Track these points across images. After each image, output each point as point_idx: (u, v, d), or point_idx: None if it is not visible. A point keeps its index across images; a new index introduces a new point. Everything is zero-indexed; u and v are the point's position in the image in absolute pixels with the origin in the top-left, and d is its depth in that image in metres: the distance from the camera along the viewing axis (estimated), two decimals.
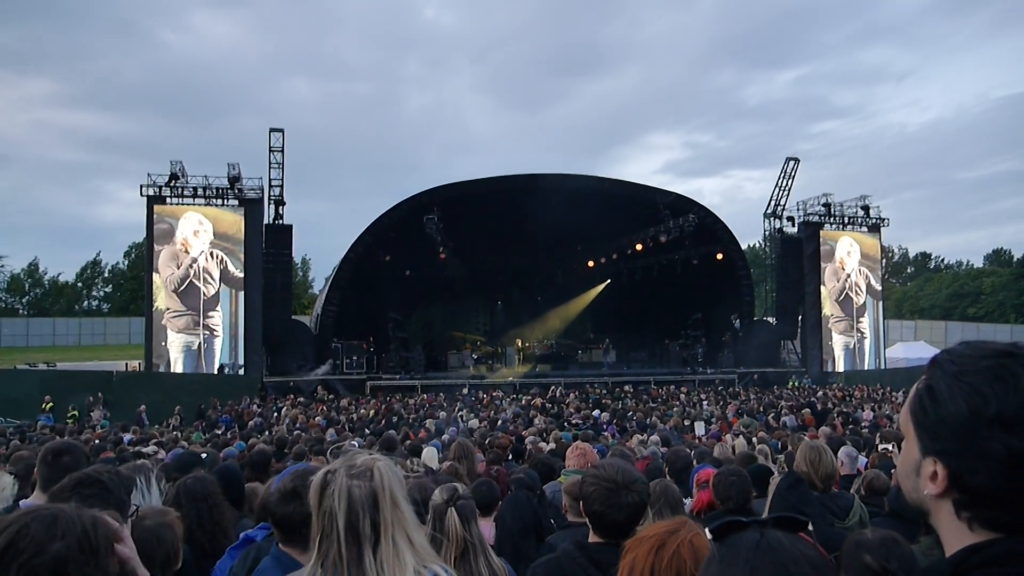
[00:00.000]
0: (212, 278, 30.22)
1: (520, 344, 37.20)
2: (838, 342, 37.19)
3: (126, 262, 76.10)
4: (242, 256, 30.48)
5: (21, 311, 72.33)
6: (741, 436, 11.46)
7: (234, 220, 30.70)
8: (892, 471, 5.83)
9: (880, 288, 39.31)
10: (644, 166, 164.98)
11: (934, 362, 1.26)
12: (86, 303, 78.18)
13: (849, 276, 37.42)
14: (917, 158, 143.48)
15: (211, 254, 30.25)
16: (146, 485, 3.38)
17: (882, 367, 37.79)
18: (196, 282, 29.98)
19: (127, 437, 13.26)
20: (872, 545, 2.54)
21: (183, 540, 3.27)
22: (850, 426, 15.47)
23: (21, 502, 3.37)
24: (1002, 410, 1.13)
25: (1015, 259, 79.55)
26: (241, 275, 30.46)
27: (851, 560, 2.54)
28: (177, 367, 29.57)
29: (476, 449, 8.91)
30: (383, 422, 17.67)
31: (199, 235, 30.16)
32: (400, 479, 2.04)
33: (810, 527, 1.32)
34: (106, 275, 79.05)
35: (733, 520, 1.28)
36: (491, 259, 36.45)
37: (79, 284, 78.12)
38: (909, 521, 3.84)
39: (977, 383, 1.16)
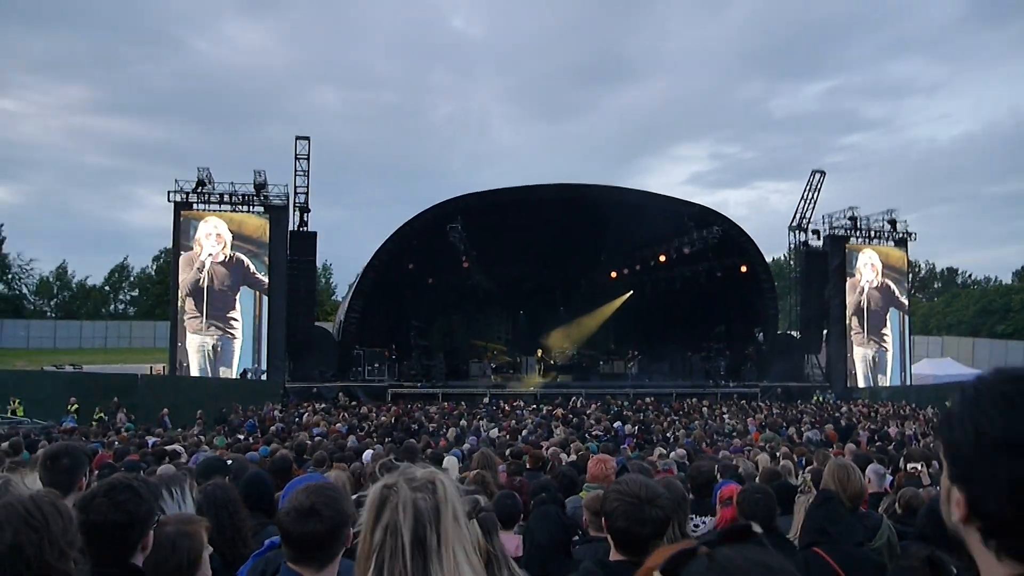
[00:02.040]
0: (226, 280, 30.43)
1: (541, 354, 37.13)
2: (858, 354, 36.73)
3: (154, 266, 76.93)
4: (266, 259, 30.70)
5: (49, 314, 73.28)
6: (764, 451, 11.33)
7: (259, 224, 30.96)
8: (920, 491, 5.74)
9: (906, 302, 38.80)
10: (670, 177, 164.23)
11: (960, 387, 1.23)
12: (113, 307, 79.09)
13: (865, 288, 36.95)
14: (946, 172, 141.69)
15: (230, 257, 30.48)
16: (181, 495, 3.36)
17: (908, 383, 37.27)
18: (207, 285, 30.21)
19: (151, 440, 13.35)
20: None
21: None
22: (877, 443, 15.28)
23: None
24: (1007, 436, 1.08)
25: None
26: (265, 278, 30.67)
27: None
28: (193, 368, 29.80)
29: (498, 459, 8.89)
30: (403, 430, 17.67)
31: (210, 237, 30.44)
32: (460, 493, 2.02)
33: (757, 530, 1.24)
34: (133, 279, 79.96)
35: (679, 553, 1.19)
36: (514, 268, 36.42)
37: (106, 288, 79.06)
38: (939, 544, 3.76)
39: (986, 407, 1.12)
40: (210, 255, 30.33)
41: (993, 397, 1.13)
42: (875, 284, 37.12)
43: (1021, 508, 1.08)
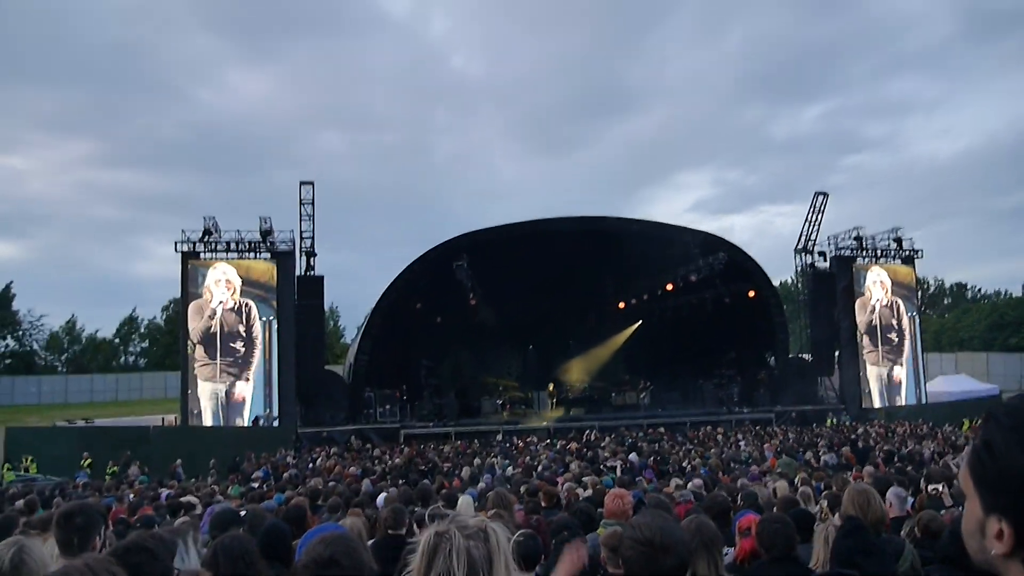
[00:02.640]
0: (237, 326, 30.51)
1: (553, 388, 36.99)
2: (872, 373, 36.45)
3: (163, 316, 77.20)
4: (274, 304, 30.79)
5: (60, 368, 73.42)
6: (782, 479, 11.22)
7: (266, 268, 31.13)
8: (943, 512, 5.67)
9: (917, 319, 38.60)
10: (674, 205, 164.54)
11: (989, 416, 1.21)
12: (123, 359, 79.24)
13: (876, 307, 36.79)
14: (950, 188, 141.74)
15: (240, 304, 30.58)
16: (185, 547, 3.36)
17: (923, 401, 36.96)
18: (218, 331, 30.26)
19: (165, 493, 13.30)
20: None
21: None
22: (896, 464, 15.10)
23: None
24: None
25: None
26: (271, 321, 30.72)
27: None
28: (206, 416, 29.73)
29: (513, 499, 8.82)
30: (417, 471, 17.56)
31: (219, 284, 30.52)
32: (511, 542, 2.02)
33: None
34: (143, 331, 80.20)
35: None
36: (521, 303, 36.43)
37: (116, 340, 79.29)
38: (964, 567, 3.71)
39: None
40: (221, 302, 30.42)
41: None
42: (885, 302, 36.97)
43: None
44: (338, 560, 2.50)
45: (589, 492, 9.68)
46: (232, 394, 30.18)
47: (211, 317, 30.31)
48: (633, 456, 18.44)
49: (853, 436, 23.00)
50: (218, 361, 30.16)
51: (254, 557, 3.76)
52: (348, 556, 2.52)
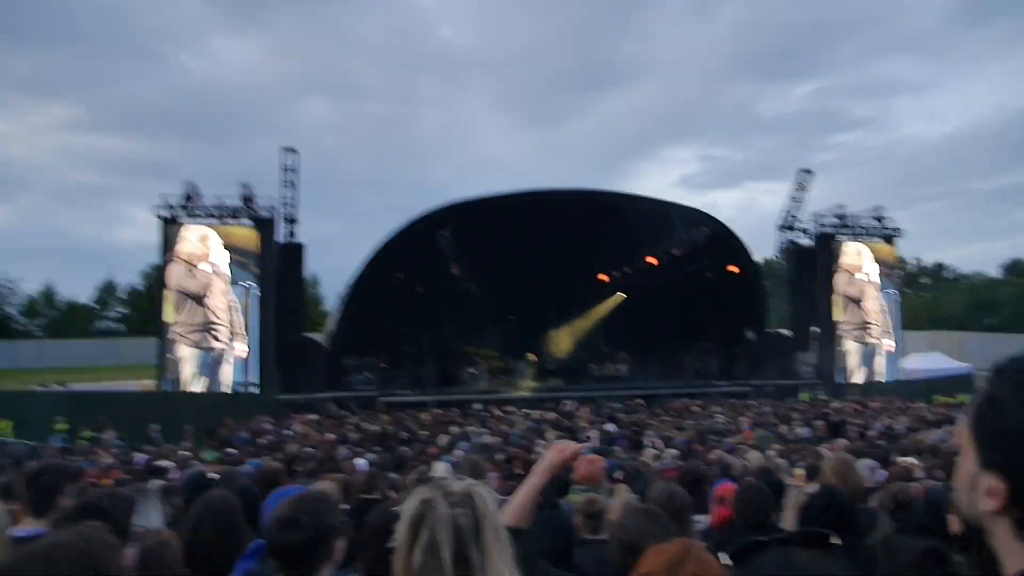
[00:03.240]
0: (216, 288, 30.24)
1: (533, 358, 37.08)
2: (854, 350, 36.79)
3: (142, 283, 76.61)
4: (255, 269, 30.56)
5: (37, 333, 72.79)
6: (756, 449, 11.31)
7: (247, 234, 30.80)
8: (913, 484, 5.71)
9: (897, 297, 38.90)
10: (660, 180, 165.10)
11: (997, 369, 1.17)
12: (102, 324, 78.63)
13: (856, 283, 37.02)
14: (934, 169, 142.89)
15: (220, 267, 30.31)
16: (147, 508, 3.30)
17: (898, 378, 37.38)
18: (208, 295, 30.01)
19: (140, 457, 13.24)
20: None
21: (203, 559, 3.21)
22: (867, 439, 15.26)
23: (10, 531, 3.28)
24: None
25: None
26: (251, 287, 30.50)
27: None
28: (192, 383, 29.53)
29: (489, 466, 8.83)
30: (395, 438, 17.57)
31: (205, 240, 30.19)
32: (499, 506, 1.98)
33: (833, 540, 1.23)
34: (122, 296, 79.56)
35: (753, 541, 1.19)
36: (504, 274, 36.38)
37: (95, 305, 78.64)
38: (938, 537, 3.73)
39: None
40: (202, 259, 30.10)
41: None
42: (865, 279, 37.20)
43: None
44: (299, 519, 2.44)
45: None
46: (213, 359, 29.98)
47: (198, 277, 29.99)
48: (610, 426, 18.56)
49: (827, 411, 23.22)
50: (200, 324, 29.88)
51: (239, 518, 3.71)
52: (310, 516, 2.46)
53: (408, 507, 1.91)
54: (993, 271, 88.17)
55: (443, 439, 15.61)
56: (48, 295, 75.64)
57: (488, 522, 1.88)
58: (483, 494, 1.93)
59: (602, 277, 38.90)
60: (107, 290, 79.08)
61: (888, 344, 37.49)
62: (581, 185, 33.61)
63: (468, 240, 30.77)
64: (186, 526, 3.45)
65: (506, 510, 3.12)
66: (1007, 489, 1.10)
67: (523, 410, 25.98)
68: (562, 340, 39.92)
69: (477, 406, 27.49)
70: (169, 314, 29.77)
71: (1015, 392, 1.11)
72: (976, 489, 1.15)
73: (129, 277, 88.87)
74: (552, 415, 23.57)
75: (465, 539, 1.82)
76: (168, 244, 29.98)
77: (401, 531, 1.89)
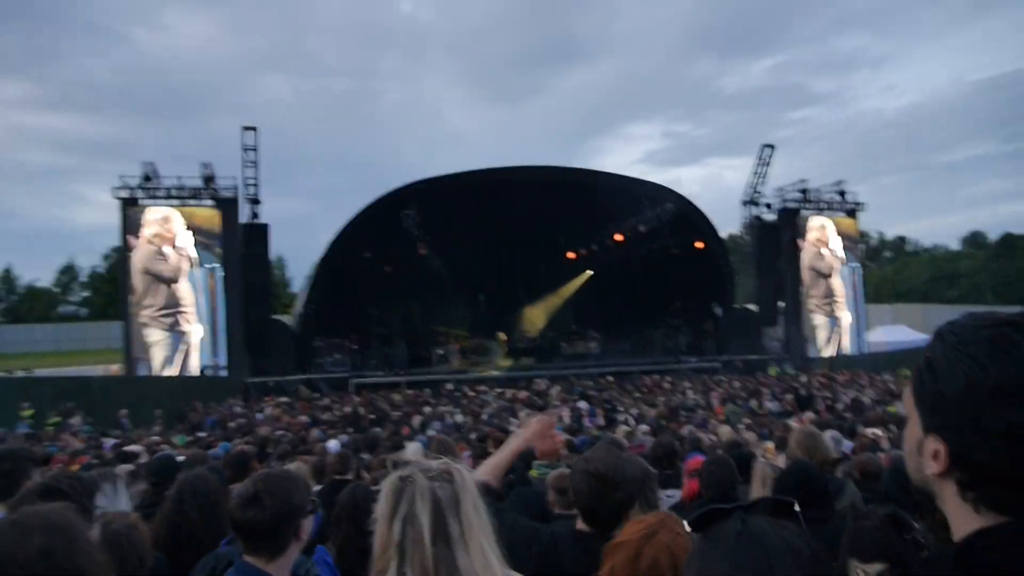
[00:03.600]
0: (180, 270, 29.82)
1: (503, 338, 37.14)
2: (821, 324, 37.28)
3: (104, 265, 75.35)
4: (219, 251, 30.18)
5: None
6: (726, 424, 11.46)
7: (210, 215, 30.36)
8: (879, 455, 5.82)
9: (860, 270, 39.44)
10: (623, 157, 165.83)
11: (936, 333, 1.19)
12: (63, 308, 77.31)
13: (823, 255, 37.48)
14: (894, 143, 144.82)
15: (183, 247, 29.90)
16: (113, 490, 3.27)
17: (864, 351, 38.01)
18: (162, 271, 29.57)
19: (109, 442, 13.09)
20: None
21: (187, 538, 3.18)
22: (835, 411, 15.51)
23: None
24: (1001, 381, 1.05)
25: (990, 241, 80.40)
26: (216, 269, 30.15)
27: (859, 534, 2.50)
28: (156, 363, 29.17)
29: (461, 445, 8.84)
30: (367, 420, 17.55)
31: (172, 228, 29.76)
32: (478, 483, 1.98)
33: (796, 508, 1.24)
34: (83, 280, 78.23)
35: (713, 508, 1.20)
36: (471, 253, 36.33)
37: (56, 289, 77.25)
38: (904, 506, 3.80)
39: (975, 353, 1.09)
40: (165, 240, 29.66)
41: (980, 342, 1.10)
42: (829, 252, 37.65)
43: (1012, 456, 1.05)
44: (261, 498, 2.43)
45: None
46: (182, 339, 29.64)
47: (168, 260, 29.56)
48: (582, 404, 18.68)
49: (795, 385, 23.56)
50: (164, 309, 29.50)
51: (220, 496, 3.69)
52: (273, 495, 2.44)
53: (388, 482, 1.92)
54: (954, 244, 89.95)
55: (416, 420, 15.60)
56: (7, 279, 74.15)
57: (467, 495, 1.89)
58: (462, 471, 1.95)
59: (570, 255, 38.97)
60: (68, 273, 77.70)
61: (847, 317, 38.05)
62: (546, 162, 33.56)
63: (434, 219, 30.66)
64: (169, 506, 3.42)
65: (481, 468, 3.15)
66: (948, 451, 1.11)
67: (495, 390, 26.07)
68: (536, 317, 40.09)
69: (449, 386, 27.51)
70: (138, 293, 29.31)
71: (951, 356, 1.12)
72: (922, 453, 1.17)
73: (90, 260, 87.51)
74: (524, 394, 23.66)
75: (444, 511, 1.83)
76: (129, 226, 29.47)
77: (381, 504, 1.89)
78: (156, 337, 29.39)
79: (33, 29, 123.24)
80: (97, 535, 2.49)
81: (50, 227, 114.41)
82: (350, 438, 11.53)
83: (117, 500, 3.24)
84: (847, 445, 7.96)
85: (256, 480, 2.53)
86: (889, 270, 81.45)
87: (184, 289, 29.72)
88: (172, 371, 29.22)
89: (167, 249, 29.56)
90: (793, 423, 10.52)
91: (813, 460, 4.67)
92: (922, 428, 1.17)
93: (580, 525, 2.95)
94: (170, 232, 29.66)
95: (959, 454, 1.10)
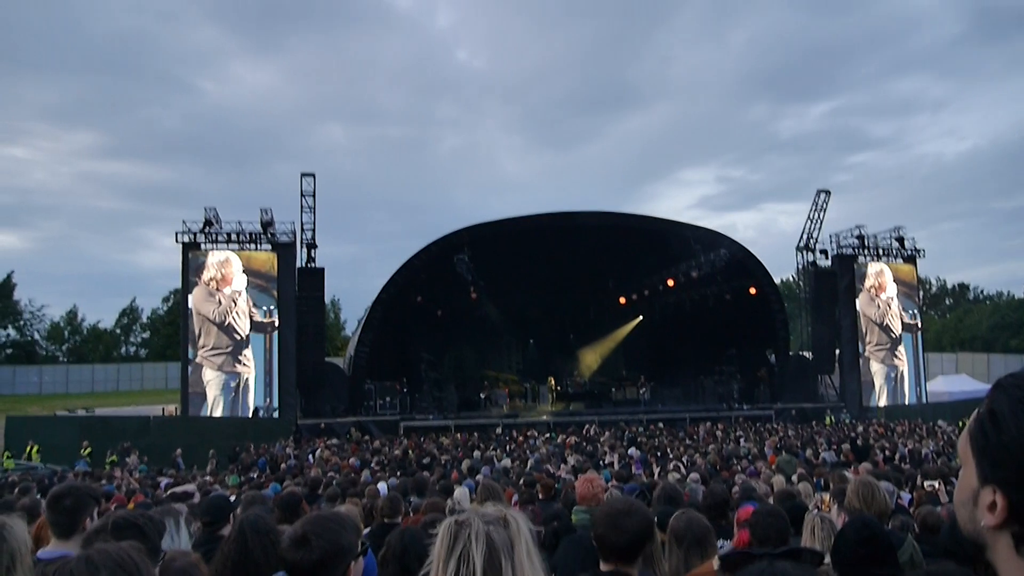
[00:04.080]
0: (244, 315, 30.52)
1: (553, 383, 37.02)
2: (878, 372, 36.40)
3: (164, 307, 77.21)
4: (275, 293, 30.79)
5: (61, 358, 73.48)
6: (780, 474, 11.20)
7: (267, 259, 31.15)
8: (938, 508, 5.66)
9: (919, 317, 38.53)
10: (677, 202, 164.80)
11: (998, 385, 1.17)
12: (124, 349, 79.27)
13: (884, 301, 36.71)
14: (954, 188, 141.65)
15: (242, 292, 30.60)
16: (175, 529, 3.34)
17: (924, 400, 36.94)
18: (229, 319, 30.27)
19: (164, 481, 13.32)
20: None
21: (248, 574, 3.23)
22: (894, 462, 15.10)
23: (39, 552, 3.33)
24: None
25: None
26: (273, 315, 30.73)
27: None
28: (216, 407, 29.74)
29: (509, 490, 8.81)
30: (415, 463, 17.58)
31: (230, 271, 30.53)
32: (533, 531, 2.02)
33: (827, 560, 1.26)
34: (144, 321, 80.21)
35: (743, 552, 1.23)
36: (522, 297, 36.47)
37: (117, 331, 79.31)
38: (963, 561, 3.68)
39: None
40: (230, 288, 30.43)
41: None
42: (888, 300, 36.90)
43: None
44: (309, 539, 2.47)
45: None
46: (240, 384, 30.18)
47: (220, 302, 30.30)
48: (633, 450, 18.45)
49: (852, 434, 22.99)
50: (226, 351, 30.14)
51: (277, 534, 3.74)
52: (321, 536, 2.48)
53: (445, 524, 1.96)
54: (1018, 291, 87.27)
55: (465, 463, 15.58)
56: (72, 320, 76.42)
57: (522, 541, 1.93)
58: (517, 517, 1.99)
59: (621, 300, 38.82)
60: (129, 315, 79.75)
61: (905, 366, 37.10)
62: (598, 207, 33.68)
63: (486, 263, 30.89)
64: (231, 546, 3.48)
65: None
66: (1007, 504, 1.10)
67: (545, 435, 25.94)
68: (591, 360, 39.98)
69: (498, 430, 27.43)
70: (198, 336, 30.03)
71: (1014, 408, 1.11)
72: (976, 504, 1.15)
73: (151, 302, 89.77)
74: (573, 439, 23.48)
75: (498, 553, 1.87)
76: (189, 269, 30.32)
77: (437, 545, 1.93)
78: (211, 377, 29.96)
79: (104, 79, 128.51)
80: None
81: (114, 270, 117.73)
82: (399, 481, 11.56)
83: (179, 538, 3.31)
84: (907, 498, 7.74)
85: (306, 521, 2.57)
86: (950, 318, 79.31)
87: (241, 331, 30.33)
88: (226, 412, 29.68)
89: (226, 291, 30.27)
90: (849, 474, 10.26)
91: (870, 511, 4.56)
92: (979, 479, 1.15)
93: (603, 566, 3.02)
94: (228, 275, 30.40)
95: (1019, 508, 1.09)
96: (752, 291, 34.27)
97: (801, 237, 37.41)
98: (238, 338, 30.32)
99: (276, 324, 30.70)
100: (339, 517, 2.66)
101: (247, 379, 30.29)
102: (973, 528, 1.17)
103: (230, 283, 30.45)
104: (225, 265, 30.55)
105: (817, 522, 4.33)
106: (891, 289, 37.03)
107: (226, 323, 30.19)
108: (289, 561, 2.50)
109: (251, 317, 30.59)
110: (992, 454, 1.13)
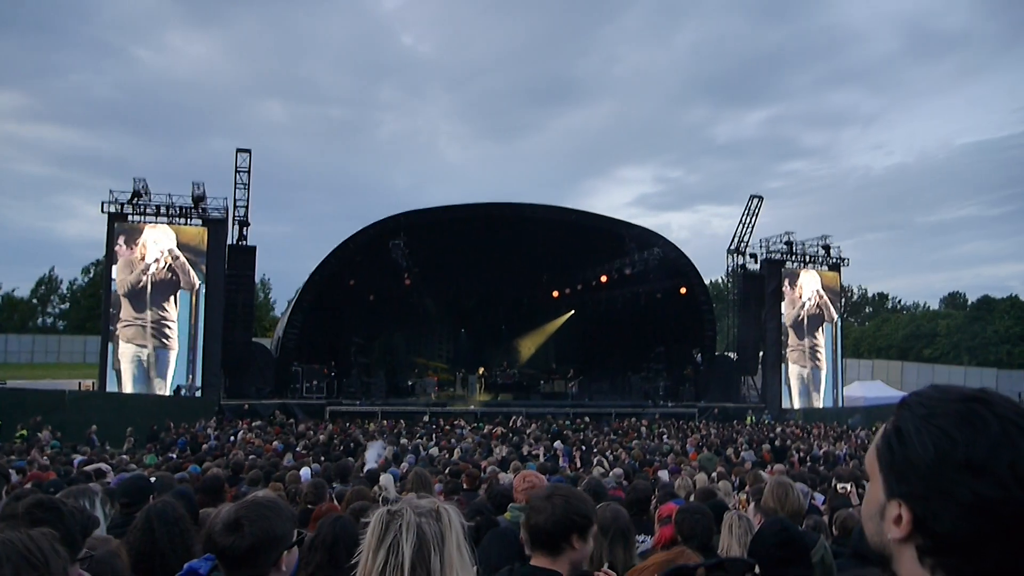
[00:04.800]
0: (166, 286, 29.64)
1: (483, 372, 37.06)
2: (793, 372, 37.43)
3: (85, 279, 74.62)
4: (203, 270, 29.97)
5: None
6: (702, 472, 11.45)
7: (197, 233, 30.22)
8: (851, 510, 5.85)
9: (838, 320, 39.71)
10: (615, 199, 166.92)
11: (903, 403, 1.23)
12: (40, 320, 76.37)
13: (805, 304, 37.77)
14: (880, 201, 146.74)
15: (170, 262, 29.69)
16: (91, 509, 3.23)
17: (840, 404, 38.18)
18: (147, 287, 29.37)
19: (78, 459, 12.90)
20: None
21: (158, 567, 3.14)
22: (808, 464, 15.57)
23: None
24: (971, 455, 1.09)
25: (969, 302, 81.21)
26: (199, 288, 29.93)
27: None
28: (127, 381, 28.80)
29: (435, 479, 8.80)
30: (341, 448, 17.41)
31: (158, 243, 29.60)
32: (464, 524, 2.02)
33: (757, 570, 1.29)
34: (63, 292, 77.39)
35: (679, 568, 1.25)
36: (456, 286, 36.38)
37: (34, 300, 76.34)
38: (873, 564, 3.81)
39: (946, 426, 1.13)
40: (156, 260, 29.47)
41: (949, 416, 1.14)
42: (811, 305, 37.94)
43: (978, 528, 1.08)
44: (242, 524, 2.41)
45: (511, 476, 9.70)
46: (155, 358, 29.29)
47: (143, 272, 29.30)
48: (558, 444, 18.61)
49: (771, 435, 23.62)
50: (145, 321, 29.19)
51: (187, 523, 3.64)
52: (255, 522, 2.42)
53: (377, 514, 1.96)
54: (933, 303, 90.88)
55: (390, 451, 15.49)
56: None
57: (452, 534, 1.94)
58: (449, 510, 2.00)
59: (554, 294, 39.06)
60: (47, 284, 76.81)
61: (824, 370, 38.28)
62: (537, 200, 33.78)
63: (422, 250, 30.69)
64: (137, 534, 3.38)
65: None
66: (911, 518, 1.14)
67: (472, 424, 25.97)
68: (523, 352, 40.15)
69: (425, 418, 27.35)
70: (116, 307, 29.04)
71: (918, 425, 1.16)
72: (883, 517, 1.20)
73: (71, 272, 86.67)
74: (500, 430, 23.57)
75: (428, 545, 1.88)
76: (115, 241, 29.31)
77: (368, 534, 1.93)
78: (132, 353, 29.06)
79: (30, 40, 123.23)
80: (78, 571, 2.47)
81: (35, 238, 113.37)
82: (322, 466, 11.44)
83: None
84: (821, 499, 7.99)
85: (240, 506, 2.50)
86: (869, 326, 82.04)
87: (165, 307, 29.48)
88: (138, 388, 28.83)
89: (150, 265, 29.37)
90: (765, 474, 10.54)
91: (784, 511, 4.69)
92: (886, 493, 1.19)
93: (534, 560, 2.92)
94: (156, 249, 29.50)
95: (923, 522, 1.13)
96: (683, 291, 34.84)
97: (733, 240, 38.23)
98: (158, 313, 29.43)
99: (195, 286, 29.82)
100: (275, 504, 2.60)
101: (163, 353, 29.42)
102: (880, 540, 1.21)
103: (157, 257, 29.53)
104: (153, 238, 29.62)
105: (735, 520, 4.43)
106: (815, 296, 38.10)
107: (142, 292, 29.25)
108: (219, 546, 2.44)
109: (184, 284, 29.70)
110: (898, 469, 1.18)
